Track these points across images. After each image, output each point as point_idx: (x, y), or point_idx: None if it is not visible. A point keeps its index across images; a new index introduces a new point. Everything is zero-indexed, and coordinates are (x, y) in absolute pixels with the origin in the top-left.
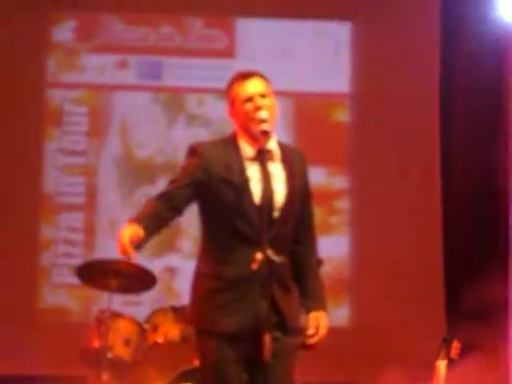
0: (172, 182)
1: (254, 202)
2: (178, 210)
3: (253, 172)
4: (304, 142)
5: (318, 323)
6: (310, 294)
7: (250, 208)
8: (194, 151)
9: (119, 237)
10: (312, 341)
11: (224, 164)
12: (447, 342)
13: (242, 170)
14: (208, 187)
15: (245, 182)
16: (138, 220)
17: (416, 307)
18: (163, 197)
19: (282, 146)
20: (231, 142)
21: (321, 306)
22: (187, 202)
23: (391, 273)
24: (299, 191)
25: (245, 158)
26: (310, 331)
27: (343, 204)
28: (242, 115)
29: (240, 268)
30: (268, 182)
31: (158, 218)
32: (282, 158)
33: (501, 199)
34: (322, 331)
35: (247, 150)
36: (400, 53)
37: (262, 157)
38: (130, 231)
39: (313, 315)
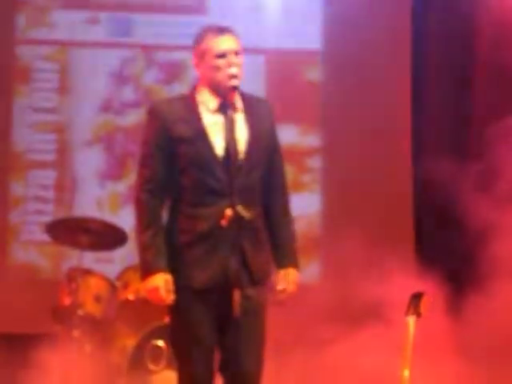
0: (144, 165)
1: (215, 154)
2: (166, 190)
3: (213, 124)
4: (275, 99)
5: (287, 280)
6: (281, 251)
7: (212, 160)
8: (151, 112)
9: (153, 289)
10: (281, 296)
11: (181, 120)
12: (417, 298)
13: (199, 124)
14: (171, 147)
15: (203, 135)
16: (157, 260)
17: (388, 263)
18: (151, 190)
19: (245, 97)
20: (189, 97)
21: (291, 262)
22: (168, 175)
23: (363, 230)
24: (264, 137)
25: (205, 110)
26: (279, 287)
27: (315, 162)
28: (212, 69)
29: (211, 222)
30: (231, 132)
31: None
32: (245, 108)
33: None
34: (291, 287)
35: (210, 102)
36: (372, 9)
37: (225, 108)
38: (161, 284)
39: (283, 272)
